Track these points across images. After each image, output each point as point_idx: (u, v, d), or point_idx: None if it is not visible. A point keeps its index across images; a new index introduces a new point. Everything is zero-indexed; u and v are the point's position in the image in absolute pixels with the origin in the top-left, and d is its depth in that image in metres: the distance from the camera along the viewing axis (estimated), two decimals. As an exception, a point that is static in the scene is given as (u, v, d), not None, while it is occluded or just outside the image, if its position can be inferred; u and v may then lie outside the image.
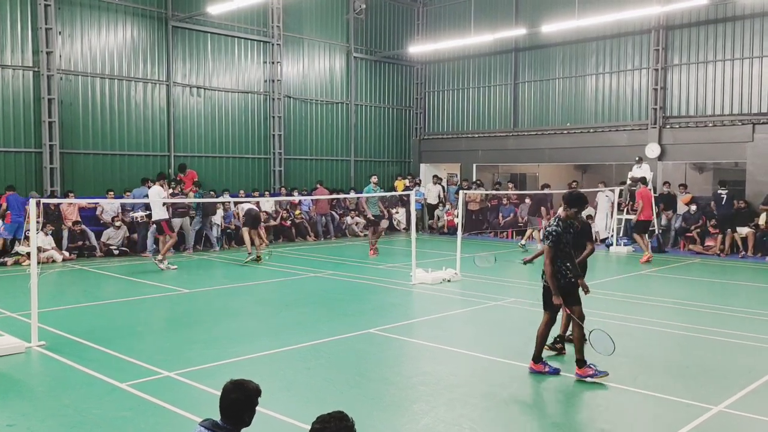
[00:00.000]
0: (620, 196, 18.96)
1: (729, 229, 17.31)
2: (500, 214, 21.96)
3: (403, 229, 23.06)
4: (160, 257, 14.23)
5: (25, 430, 5.51)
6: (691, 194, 19.25)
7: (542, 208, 18.73)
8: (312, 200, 20.54)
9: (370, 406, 6.16)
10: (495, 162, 25.14)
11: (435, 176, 24.27)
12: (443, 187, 23.71)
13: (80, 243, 16.00)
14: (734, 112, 18.96)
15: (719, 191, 17.98)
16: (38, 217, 8.87)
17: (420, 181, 25.00)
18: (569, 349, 7.54)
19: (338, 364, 7.46)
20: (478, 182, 23.69)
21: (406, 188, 22.86)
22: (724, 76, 19.14)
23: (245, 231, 15.80)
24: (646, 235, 16.62)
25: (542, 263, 7.03)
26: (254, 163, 21.52)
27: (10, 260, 14.81)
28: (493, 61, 24.21)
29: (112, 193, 16.99)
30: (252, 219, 15.84)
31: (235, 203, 18.14)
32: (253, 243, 15.57)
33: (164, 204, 14.55)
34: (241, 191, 20.17)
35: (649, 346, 8.30)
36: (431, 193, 23.66)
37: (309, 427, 3.13)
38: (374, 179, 17.97)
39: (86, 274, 13.90)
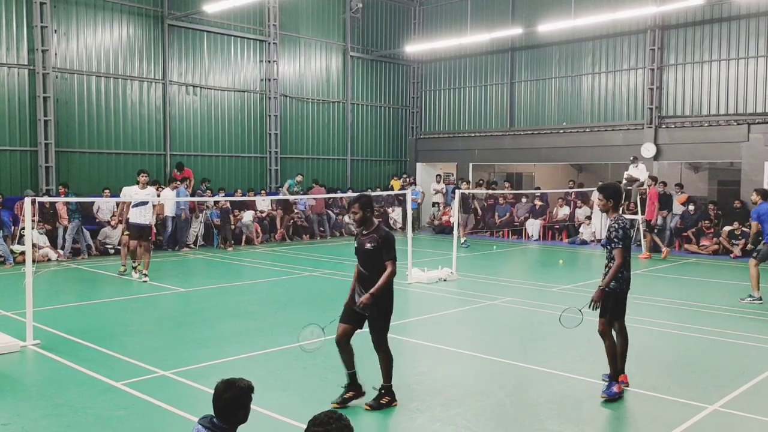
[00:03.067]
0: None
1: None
2: (496, 214, 21.98)
3: (399, 228, 23.07)
4: (138, 267, 12.90)
5: (20, 430, 5.49)
6: (687, 194, 19.30)
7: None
8: (308, 199, 20.52)
9: (366, 405, 6.15)
10: (491, 161, 25.16)
11: (438, 175, 24.25)
12: (445, 186, 23.62)
13: (78, 245, 15.94)
14: (730, 112, 19.00)
15: None
16: (33, 215, 8.85)
17: (414, 180, 25.00)
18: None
19: (334, 363, 7.43)
20: (481, 182, 23.71)
21: (403, 188, 22.88)
22: (720, 76, 19.18)
23: (130, 243, 12.85)
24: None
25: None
26: (250, 162, 21.49)
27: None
28: (489, 60, 24.22)
29: (108, 191, 16.92)
30: (138, 229, 12.71)
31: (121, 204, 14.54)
32: (133, 257, 12.90)
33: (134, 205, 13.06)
34: (238, 190, 20.14)
35: (645, 346, 8.31)
36: (437, 191, 23.59)
37: (304, 427, 3.11)
38: (299, 178, 20.60)
39: (82, 273, 13.86)
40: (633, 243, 19.46)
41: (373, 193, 21.67)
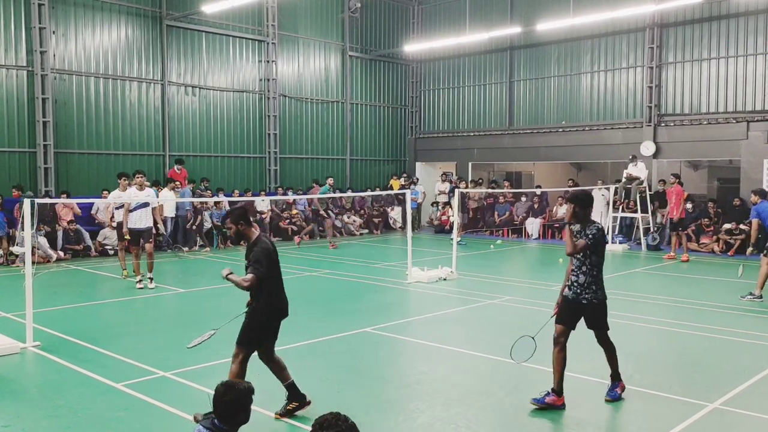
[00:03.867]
0: (615, 194, 19.00)
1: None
2: (496, 213, 21.98)
3: (399, 227, 23.06)
4: (128, 274, 12.38)
5: (20, 431, 5.49)
6: (687, 192, 19.28)
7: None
8: (307, 199, 20.51)
9: (367, 404, 6.16)
10: (490, 160, 25.16)
11: (444, 174, 24.17)
12: (450, 183, 23.41)
13: (78, 246, 15.93)
14: (729, 110, 19.01)
15: None
16: (33, 217, 8.82)
17: (417, 179, 24.98)
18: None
19: (334, 363, 7.45)
20: (480, 180, 23.71)
21: (402, 187, 22.86)
22: (719, 74, 19.18)
23: (132, 249, 12.14)
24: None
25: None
26: (250, 163, 21.49)
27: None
28: (488, 59, 24.21)
29: (107, 192, 16.87)
30: (137, 234, 11.97)
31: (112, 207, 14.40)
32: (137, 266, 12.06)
33: (118, 208, 12.58)
34: (236, 191, 20.15)
35: (645, 344, 8.31)
36: (441, 192, 23.44)
37: (304, 426, 3.10)
38: (330, 181, 20.40)
39: (81, 274, 13.85)
40: (632, 241, 19.49)
41: (373, 193, 21.80)
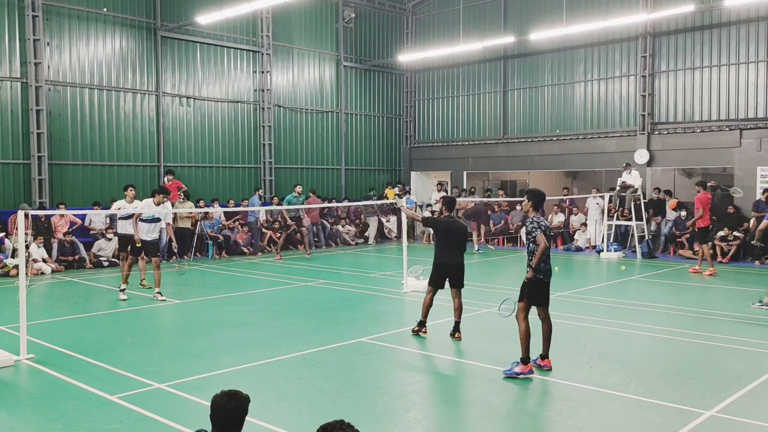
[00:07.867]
0: (610, 202, 19.06)
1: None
2: (491, 221, 22.00)
3: (395, 237, 23.06)
4: (122, 286, 12.04)
5: (14, 445, 5.46)
6: (677, 199, 19.37)
7: (478, 220, 20.31)
8: (303, 209, 20.49)
9: (363, 415, 6.13)
10: (485, 169, 25.22)
11: (439, 183, 24.14)
12: (446, 193, 23.40)
13: (71, 258, 15.88)
14: (722, 118, 19.11)
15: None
16: (27, 229, 8.79)
17: (409, 189, 24.98)
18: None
19: (330, 374, 7.43)
20: (472, 189, 23.75)
21: (397, 196, 22.86)
22: (711, 82, 19.30)
23: (129, 258, 12.28)
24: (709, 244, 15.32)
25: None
26: (244, 173, 21.49)
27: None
28: (482, 68, 24.32)
29: (98, 206, 16.75)
30: (124, 241, 12.38)
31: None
32: (127, 273, 12.15)
33: (123, 218, 12.44)
34: (231, 201, 20.14)
35: (641, 352, 8.31)
36: (437, 200, 23.39)
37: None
38: (298, 189, 18.91)
39: (76, 286, 13.79)
40: (627, 249, 19.50)
41: (369, 202, 21.81)
